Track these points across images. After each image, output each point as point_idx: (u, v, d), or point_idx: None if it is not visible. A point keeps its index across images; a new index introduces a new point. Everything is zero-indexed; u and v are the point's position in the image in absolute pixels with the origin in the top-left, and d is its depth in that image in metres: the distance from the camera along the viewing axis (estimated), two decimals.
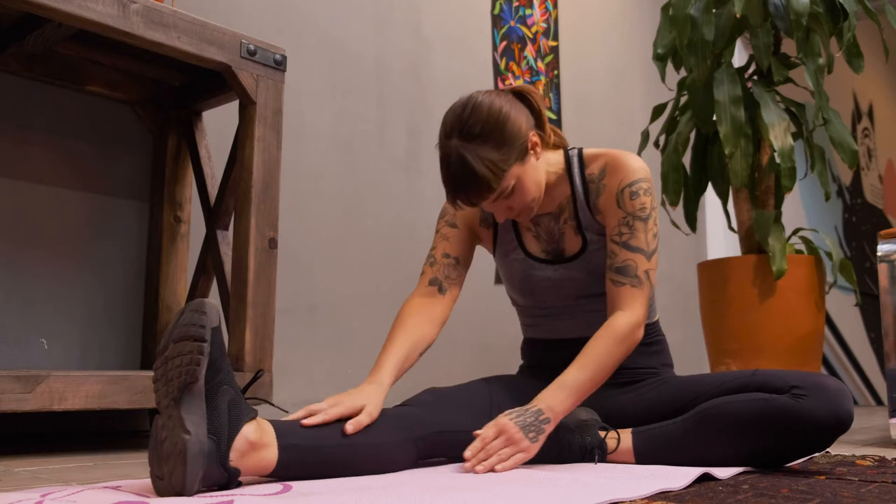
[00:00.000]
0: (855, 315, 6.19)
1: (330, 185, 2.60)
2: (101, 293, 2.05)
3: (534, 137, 1.41)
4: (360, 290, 2.66)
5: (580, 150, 1.53)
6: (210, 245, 2.01)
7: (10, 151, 1.91)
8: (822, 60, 2.49)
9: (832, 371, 5.76)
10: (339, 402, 1.23)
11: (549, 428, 1.30)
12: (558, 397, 1.32)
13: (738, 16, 2.42)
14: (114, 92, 2.05)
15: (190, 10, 2.21)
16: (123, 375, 1.56)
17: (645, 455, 1.36)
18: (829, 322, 5.68)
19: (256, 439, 1.09)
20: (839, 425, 1.27)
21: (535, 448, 1.28)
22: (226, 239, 1.99)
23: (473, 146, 1.33)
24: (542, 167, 1.46)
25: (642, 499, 1.03)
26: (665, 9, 2.73)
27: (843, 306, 5.85)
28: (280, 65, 1.87)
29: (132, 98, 2.09)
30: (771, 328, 2.40)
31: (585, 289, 1.52)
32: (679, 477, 1.16)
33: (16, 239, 1.90)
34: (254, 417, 1.10)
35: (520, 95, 1.46)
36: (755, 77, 2.66)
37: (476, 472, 1.22)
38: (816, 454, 1.60)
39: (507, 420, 1.28)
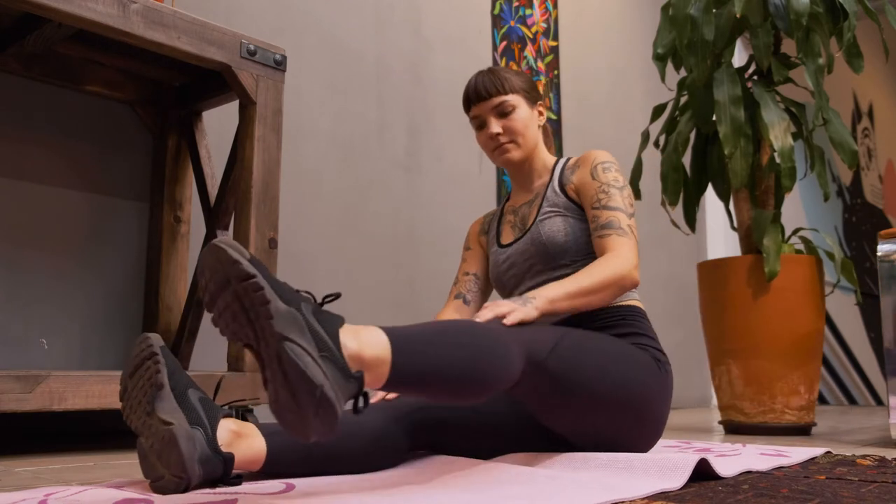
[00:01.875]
0: (855, 315, 6.19)
1: (330, 185, 2.61)
2: (102, 293, 2.05)
3: (542, 107, 1.70)
4: (360, 289, 2.66)
5: (566, 160, 1.72)
6: None
7: (10, 151, 1.91)
8: (822, 60, 2.49)
9: (832, 371, 5.76)
10: None
11: (539, 305, 1.33)
12: (546, 291, 1.37)
13: (738, 16, 2.41)
14: (114, 92, 2.05)
15: (190, 10, 2.21)
16: None
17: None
18: (829, 322, 5.68)
19: (238, 429, 1.11)
20: None
21: (532, 311, 1.31)
22: None
23: (502, 69, 1.66)
24: (538, 135, 1.69)
25: (642, 499, 1.03)
26: (665, 9, 2.73)
27: (843, 306, 5.85)
28: (280, 65, 1.87)
29: (132, 98, 2.09)
30: (771, 328, 2.40)
31: (535, 264, 1.58)
32: (678, 471, 1.16)
33: (16, 239, 1.90)
34: (228, 416, 1.12)
35: None
36: (755, 77, 2.66)
37: (481, 318, 1.26)
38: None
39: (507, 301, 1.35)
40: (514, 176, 1.73)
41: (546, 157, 1.73)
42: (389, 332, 1.03)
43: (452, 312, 1.71)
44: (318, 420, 0.89)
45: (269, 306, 0.91)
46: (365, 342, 0.98)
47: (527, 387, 1.25)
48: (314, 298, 0.99)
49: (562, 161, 1.72)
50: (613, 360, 1.37)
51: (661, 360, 1.48)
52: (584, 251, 1.57)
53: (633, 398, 1.37)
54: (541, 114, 1.70)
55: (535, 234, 1.60)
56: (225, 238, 0.96)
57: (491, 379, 1.11)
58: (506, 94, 1.63)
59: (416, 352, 1.03)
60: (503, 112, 1.63)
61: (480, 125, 1.66)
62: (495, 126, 1.63)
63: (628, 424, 1.38)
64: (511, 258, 1.64)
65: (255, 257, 0.95)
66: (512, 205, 1.75)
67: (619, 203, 1.55)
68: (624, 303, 1.56)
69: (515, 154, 1.65)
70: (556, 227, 1.58)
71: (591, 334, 1.41)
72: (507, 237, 1.70)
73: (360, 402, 0.97)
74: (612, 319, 1.52)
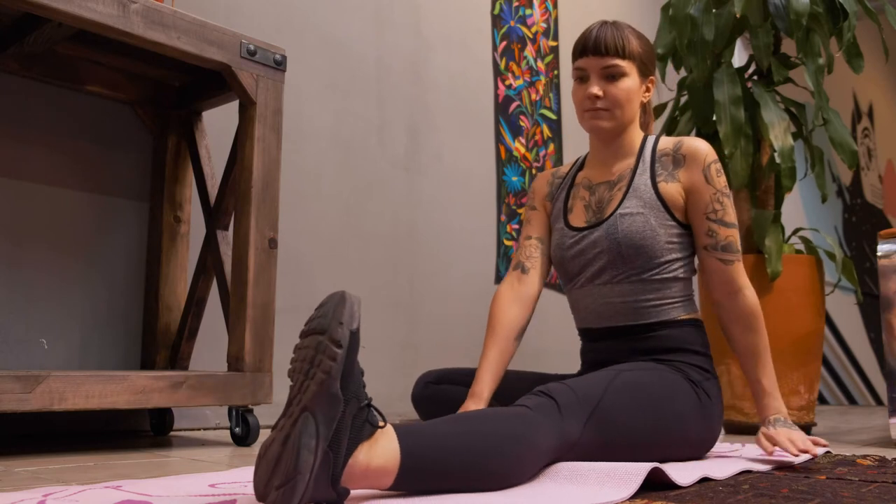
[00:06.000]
0: (855, 315, 6.19)
1: (330, 185, 2.61)
2: (102, 293, 2.05)
3: (650, 83, 1.59)
4: (360, 290, 2.66)
5: (658, 135, 1.64)
6: (210, 245, 2.01)
7: (10, 151, 1.91)
8: (822, 60, 2.49)
9: (832, 371, 5.76)
10: None
11: (787, 414, 1.51)
12: (780, 401, 1.51)
13: (738, 16, 2.42)
14: (114, 92, 2.05)
15: (190, 10, 2.21)
16: (123, 375, 1.56)
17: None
18: (829, 322, 5.68)
19: (367, 463, 0.96)
20: None
21: (796, 429, 1.47)
22: (226, 239, 1.99)
23: (627, 28, 1.56)
24: (637, 111, 1.58)
25: (642, 499, 1.03)
26: (665, 9, 2.73)
27: (843, 306, 5.85)
28: (280, 65, 1.87)
29: (132, 98, 2.09)
30: (771, 328, 2.40)
31: (604, 260, 1.52)
32: (625, 484, 1.09)
33: (16, 239, 1.90)
34: (371, 434, 0.97)
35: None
36: (755, 77, 2.66)
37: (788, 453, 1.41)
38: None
39: (769, 429, 1.47)
40: (596, 146, 1.62)
41: (635, 135, 1.60)
42: (404, 441, 0.99)
43: (510, 285, 1.61)
44: (277, 493, 0.88)
45: (327, 378, 0.91)
46: (374, 453, 0.96)
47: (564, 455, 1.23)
48: (368, 401, 0.97)
49: (650, 143, 1.60)
50: (650, 413, 1.34)
51: (699, 379, 1.46)
52: (659, 255, 1.51)
53: (673, 438, 1.38)
54: (648, 90, 1.59)
55: (611, 229, 1.52)
56: (354, 297, 0.97)
57: (504, 486, 1.08)
58: (623, 57, 1.51)
59: (425, 465, 1.00)
60: (611, 75, 1.52)
61: (582, 78, 1.55)
62: (596, 87, 1.52)
63: (669, 452, 1.40)
64: (579, 245, 1.56)
65: (358, 332, 0.95)
66: (588, 178, 1.64)
67: (732, 216, 1.53)
68: (683, 317, 1.53)
69: (607, 124, 1.54)
70: (636, 227, 1.50)
71: (627, 385, 1.34)
72: (577, 218, 1.60)
73: None
74: (667, 340, 1.51)
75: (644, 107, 1.65)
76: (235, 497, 1.00)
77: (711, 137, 2.66)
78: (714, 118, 2.56)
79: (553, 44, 3.65)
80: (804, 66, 2.48)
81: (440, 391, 1.61)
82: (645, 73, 1.56)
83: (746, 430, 2.41)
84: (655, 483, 1.14)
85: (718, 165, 1.53)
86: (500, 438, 1.07)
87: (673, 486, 1.14)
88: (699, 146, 1.54)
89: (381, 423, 0.98)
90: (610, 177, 1.60)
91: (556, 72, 3.63)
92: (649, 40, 1.60)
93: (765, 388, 1.49)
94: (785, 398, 2.39)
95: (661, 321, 1.52)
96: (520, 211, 3.34)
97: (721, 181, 1.53)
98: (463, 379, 1.60)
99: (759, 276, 2.42)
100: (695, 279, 3.21)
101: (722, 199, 1.52)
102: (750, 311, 1.51)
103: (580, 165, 1.69)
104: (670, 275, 1.53)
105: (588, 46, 1.52)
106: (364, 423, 0.95)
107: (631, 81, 1.53)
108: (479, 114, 3.23)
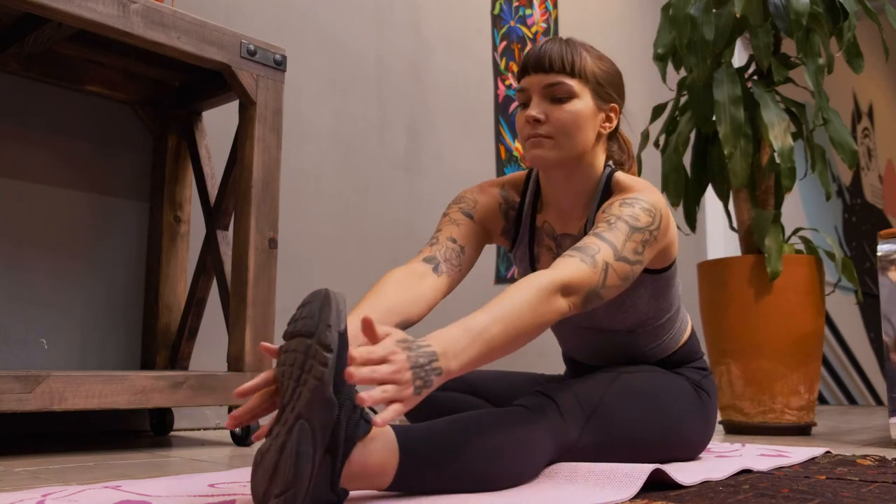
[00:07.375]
0: (855, 315, 6.19)
1: (330, 185, 2.61)
2: (102, 293, 2.05)
3: (612, 112, 1.34)
4: (360, 290, 2.66)
5: (612, 171, 1.36)
6: (210, 245, 2.01)
7: (10, 151, 1.91)
8: (822, 60, 2.49)
9: (832, 371, 5.76)
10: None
11: (437, 382, 0.95)
12: (459, 345, 0.97)
13: (738, 16, 2.42)
14: (114, 92, 2.05)
15: (190, 10, 2.21)
16: (123, 375, 1.56)
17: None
18: (829, 322, 5.68)
19: (364, 461, 0.96)
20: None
21: (414, 402, 0.92)
22: (226, 239, 1.99)
23: (583, 46, 1.32)
24: (592, 145, 1.32)
25: (643, 499, 1.03)
26: (665, 9, 2.73)
27: (843, 306, 5.85)
28: (280, 65, 1.87)
29: (132, 98, 2.09)
30: (770, 328, 2.40)
31: (585, 329, 1.45)
32: (627, 485, 1.10)
33: (16, 239, 1.90)
34: (367, 432, 0.97)
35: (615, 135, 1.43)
36: (755, 77, 2.66)
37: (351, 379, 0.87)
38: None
39: (405, 350, 0.92)
40: (547, 186, 1.38)
41: (591, 175, 1.34)
42: (402, 440, 0.99)
43: (408, 275, 1.26)
44: (277, 501, 0.87)
45: (320, 384, 0.89)
46: (371, 451, 0.96)
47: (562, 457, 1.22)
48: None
49: (603, 179, 1.35)
50: (651, 415, 1.31)
51: (698, 378, 1.45)
52: (644, 314, 1.39)
53: (673, 440, 1.36)
54: (608, 119, 1.33)
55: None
56: (339, 293, 0.94)
57: (502, 486, 1.07)
58: (570, 75, 1.27)
59: (424, 464, 1.00)
60: (556, 96, 1.27)
61: (525, 102, 1.30)
62: (538, 108, 1.27)
63: (668, 454, 1.38)
64: None
65: (346, 333, 0.93)
66: (549, 224, 1.41)
67: (617, 239, 1.17)
68: (679, 344, 1.48)
69: (550, 154, 1.28)
70: (613, 302, 1.34)
71: (627, 387, 1.30)
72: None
73: None
74: (665, 365, 1.46)
75: (617, 140, 1.41)
76: (235, 497, 1.00)
77: (711, 137, 2.66)
78: (714, 118, 2.56)
79: None
80: (804, 66, 2.48)
81: (432, 397, 1.57)
82: (604, 98, 1.31)
83: (746, 430, 2.41)
84: (656, 483, 1.14)
85: (632, 200, 1.23)
86: (499, 438, 1.07)
87: (673, 486, 1.14)
88: (627, 187, 1.29)
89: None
90: (573, 230, 1.38)
91: None
92: (615, 65, 1.35)
93: (468, 322, 0.99)
94: (785, 398, 2.39)
95: (659, 360, 1.47)
96: None
97: (623, 210, 1.21)
98: (454, 384, 1.54)
99: (762, 275, 2.42)
100: (687, 280, 3.21)
101: (616, 222, 1.19)
102: (539, 277, 1.07)
103: (533, 202, 1.43)
104: (662, 320, 1.43)
105: (529, 63, 1.28)
106: (359, 421, 0.95)
107: (581, 104, 1.28)
108: (479, 114, 3.23)
